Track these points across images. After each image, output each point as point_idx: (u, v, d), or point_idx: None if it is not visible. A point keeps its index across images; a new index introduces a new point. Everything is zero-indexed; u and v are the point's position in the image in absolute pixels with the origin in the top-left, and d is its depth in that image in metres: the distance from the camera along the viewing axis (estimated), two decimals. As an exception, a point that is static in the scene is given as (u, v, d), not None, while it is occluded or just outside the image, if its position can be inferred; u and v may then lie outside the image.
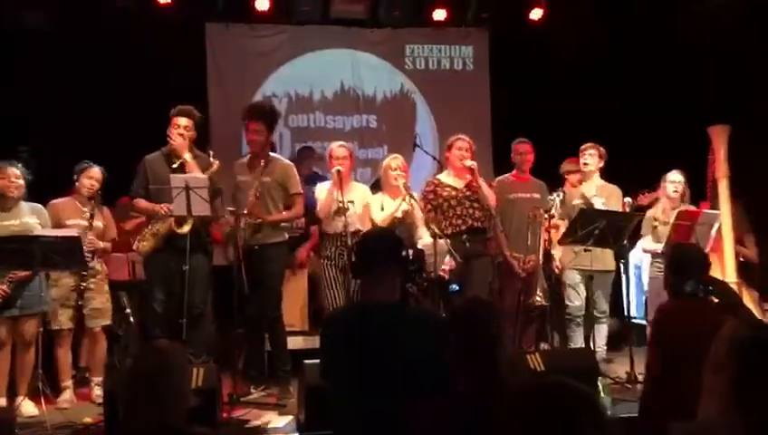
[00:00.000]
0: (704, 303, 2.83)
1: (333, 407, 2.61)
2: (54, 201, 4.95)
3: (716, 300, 2.64)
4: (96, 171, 4.95)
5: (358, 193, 5.19)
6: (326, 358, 2.66)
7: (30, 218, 4.68)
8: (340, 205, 4.90)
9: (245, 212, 4.80)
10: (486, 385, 2.16)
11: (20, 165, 4.73)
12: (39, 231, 4.51)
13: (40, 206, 4.81)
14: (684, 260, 3.00)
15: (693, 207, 5.34)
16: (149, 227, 4.80)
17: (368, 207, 5.16)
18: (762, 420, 1.69)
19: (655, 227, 5.37)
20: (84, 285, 4.80)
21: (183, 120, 4.75)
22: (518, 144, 5.56)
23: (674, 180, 5.41)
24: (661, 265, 5.01)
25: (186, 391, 2.37)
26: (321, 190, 5.16)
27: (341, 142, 5.28)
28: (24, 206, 4.72)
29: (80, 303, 4.82)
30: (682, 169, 5.48)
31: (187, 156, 4.70)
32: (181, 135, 4.73)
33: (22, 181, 4.67)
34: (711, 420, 1.78)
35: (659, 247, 5.25)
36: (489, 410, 2.00)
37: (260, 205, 4.84)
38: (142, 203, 4.84)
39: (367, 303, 2.69)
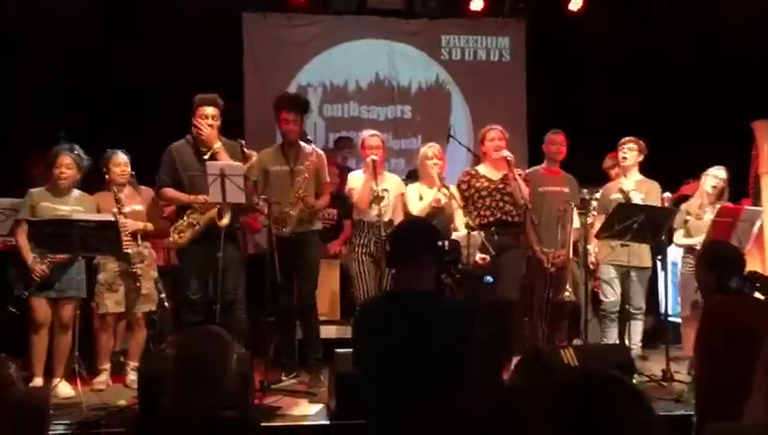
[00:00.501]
0: (750, 299, 2.74)
1: (365, 395, 2.61)
2: (96, 195, 4.98)
3: (762, 296, 2.56)
4: (121, 157, 4.96)
5: (391, 183, 5.17)
6: (359, 346, 2.66)
7: (77, 207, 4.75)
8: (376, 194, 4.89)
9: (301, 199, 4.81)
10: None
11: (77, 150, 4.76)
12: (77, 215, 4.56)
13: (89, 196, 4.88)
14: (725, 256, 2.91)
15: (731, 204, 5.21)
16: (185, 218, 4.72)
17: (401, 198, 5.15)
18: None
19: (686, 222, 5.25)
20: (132, 269, 4.83)
21: (210, 110, 4.69)
22: (553, 135, 5.46)
23: (715, 175, 5.28)
24: (692, 262, 5.00)
25: (230, 375, 2.39)
26: (355, 179, 5.16)
27: (374, 131, 5.25)
28: (76, 194, 4.81)
29: (127, 288, 4.87)
30: (726, 167, 5.35)
31: (217, 145, 4.68)
32: (210, 126, 4.69)
33: (73, 170, 4.72)
34: (758, 421, 1.73)
35: (691, 242, 5.15)
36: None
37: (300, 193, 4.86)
38: (171, 192, 4.78)
39: (401, 291, 2.67)
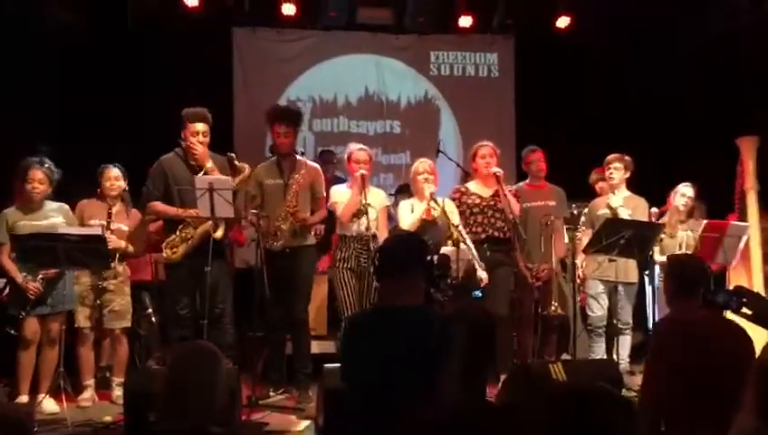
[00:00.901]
0: (710, 312, 2.72)
1: (352, 409, 2.59)
2: (83, 201, 4.98)
3: (749, 312, 2.57)
4: (113, 172, 4.93)
5: (375, 197, 5.17)
6: (347, 360, 2.64)
7: (55, 217, 4.72)
8: (361, 207, 4.89)
9: (291, 213, 4.80)
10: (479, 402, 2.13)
11: (48, 163, 4.74)
12: (63, 229, 4.53)
13: (65, 205, 4.85)
14: (701, 271, 2.88)
15: (702, 221, 5.26)
16: (178, 233, 4.69)
17: (384, 212, 5.17)
18: None
19: (661, 240, 5.29)
20: (102, 284, 4.79)
21: (200, 126, 4.68)
22: (529, 153, 5.53)
23: (684, 193, 5.39)
24: None
25: (220, 392, 2.36)
26: (340, 193, 5.14)
27: (361, 145, 5.26)
28: (49, 205, 4.77)
29: (98, 303, 4.83)
30: (694, 183, 5.45)
31: (209, 165, 4.65)
32: (201, 143, 4.68)
33: (45, 185, 4.69)
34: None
35: (664, 259, 5.21)
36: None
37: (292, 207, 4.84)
38: (160, 205, 4.75)
39: (389, 306, 2.67)
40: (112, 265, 4.78)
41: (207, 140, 4.73)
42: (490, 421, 2.06)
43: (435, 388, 2.35)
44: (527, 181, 5.57)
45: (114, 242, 4.79)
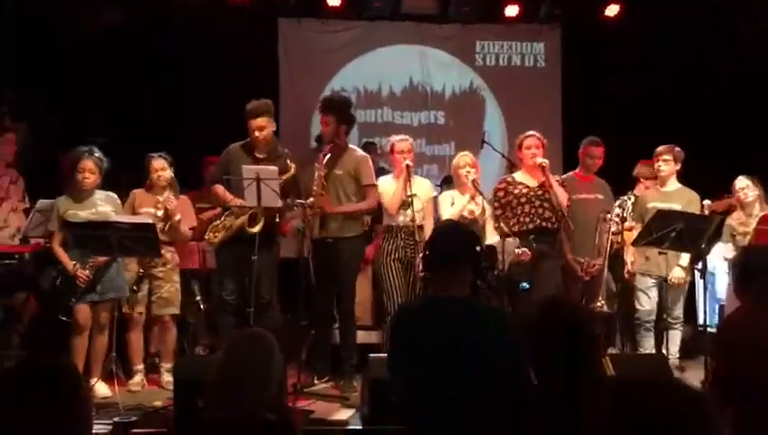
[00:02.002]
0: None
1: (400, 400, 2.59)
2: (135, 190, 5.09)
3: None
4: (158, 162, 5.01)
5: (420, 187, 5.15)
6: (396, 350, 2.64)
7: (104, 207, 4.81)
8: (407, 198, 4.88)
9: (309, 204, 4.81)
10: (571, 385, 2.08)
11: (98, 153, 4.83)
12: (114, 218, 4.63)
13: (113, 194, 4.94)
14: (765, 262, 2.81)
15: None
16: (222, 220, 4.85)
17: (431, 202, 5.15)
18: None
19: (734, 236, 5.17)
20: (151, 272, 4.89)
21: (260, 121, 4.81)
22: (592, 146, 5.37)
23: (741, 187, 5.26)
24: None
25: (278, 380, 2.36)
26: (385, 184, 5.13)
27: (403, 135, 5.25)
28: (98, 194, 4.86)
29: (147, 289, 4.92)
30: (750, 174, 5.30)
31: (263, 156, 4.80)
32: (259, 135, 4.80)
33: (95, 175, 4.77)
34: None
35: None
36: (568, 411, 1.95)
37: (327, 197, 4.85)
38: (219, 190, 4.91)
39: (439, 296, 2.66)
40: (166, 254, 4.87)
41: (266, 133, 4.83)
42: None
43: (487, 375, 2.33)
44: (576, 171, 5.47)
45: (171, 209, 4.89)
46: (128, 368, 4.92)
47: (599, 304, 5.10)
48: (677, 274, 5.10)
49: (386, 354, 2.80)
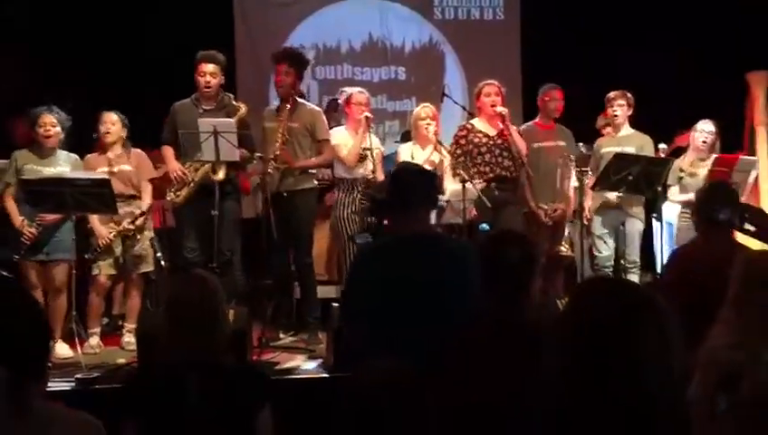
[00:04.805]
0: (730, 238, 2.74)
1: (364, 341, 2.61)
2: (87, 156, 4.96)
3: (752, 228, 2.57)
4: (108, 116, 4.89)
5: (374, 143, 5.14)
6: (359, 291, 2.65)
7: (64, 167, 4.70)
8: (364, 151, 4.86)
9: (273, 157, 4.76)
10: (518, 312, 2.13)
11: (58, 111, 4.71)
12: (70, 174, 4.53)
13: (76, 156, 4.83)
14: (716, 190, 2.91)
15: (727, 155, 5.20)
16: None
17: (380, 157, 5.19)
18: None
19: (681, 178, 5.25)
20: (124, 230, 4.77)
21: (208, 67, 4.70)
22: (550, 90, 5.41)
23: (703, 130, 5.27)
24: (687, 216, 5.06)
25: (224, 321, 2.37)
26: (338, 136, 5.09)
27: (361, 89, 5.22)
28: (61, 154, 4.76)
29: (122, 249, 4.83)
30: (716, 120, 5.33)
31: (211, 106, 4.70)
32: (208, 82, 4.69)
33: (57, 128, 4.67)
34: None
35: (687, 197, 5.15)
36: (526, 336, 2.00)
37: (288, 150, 4.81)
38: (168, 152, 4.83)
39: (406, 234, 2.66)
40: (128, 206, 4.79)
41: (218, 80, 4.73)
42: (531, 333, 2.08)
43: (456, 307, 2.36)
44: (536, 121, 5.50)
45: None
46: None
47: (563, 248, 5.19)
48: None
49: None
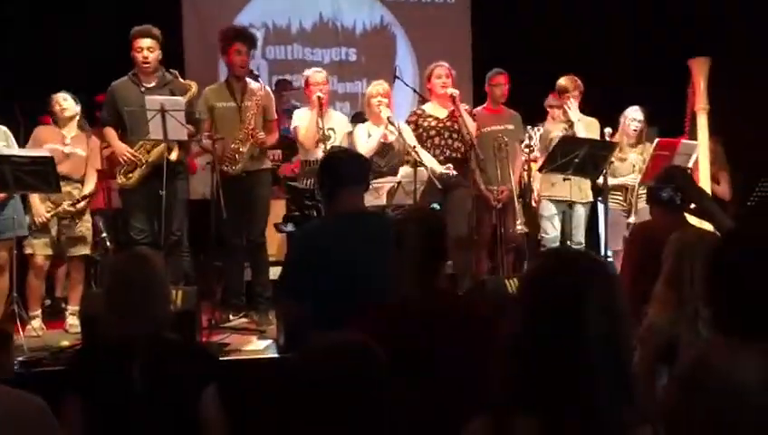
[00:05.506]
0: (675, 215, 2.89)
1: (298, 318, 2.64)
2: (39, 127, 4.86)
3: (692, 206, 2.67)
4: (58, 97, 4.83)
5: (337, 122, 5.13)
6: (303, 271, 2.66)
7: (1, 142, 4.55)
8: (322, 133, 4.84)
9: (248, 136, 4.72)
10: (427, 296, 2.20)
11: None
12: (10, 151, 4.39)
13: (4, 126, 4.68)
14: (663, 172, 3.06)
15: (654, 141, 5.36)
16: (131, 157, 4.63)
17: (347, 137, 5.11)
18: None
19: (611, 163, 5.38)
20: (61, 211, 4.69)
21: (145, 42, 4.59)
22: (495, 75, 5.51)
23: (634, 118, 5.43)
24: (618, 198, 5.36)
25: (167, 297, 2.36)
26: (301, 117, 5.08)
27: (318, 68, 5.20)
28: None
29: (60, 229, 4.74)
30: (643, 107, 5.49)
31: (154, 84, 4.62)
32: (146, 57, 4.59)
33: None
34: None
35: (617, 181, 5.33)
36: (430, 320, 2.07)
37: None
38: (110, 133, 4.72)
39: (347, 212, 2.70)
40: (70, 187, 4.70)
41: (155, 55, 4.62)
42: (440, 306, 2.15)
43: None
44: (485, 106, 5.56)
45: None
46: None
47: (518, 227, 5.27)
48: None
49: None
